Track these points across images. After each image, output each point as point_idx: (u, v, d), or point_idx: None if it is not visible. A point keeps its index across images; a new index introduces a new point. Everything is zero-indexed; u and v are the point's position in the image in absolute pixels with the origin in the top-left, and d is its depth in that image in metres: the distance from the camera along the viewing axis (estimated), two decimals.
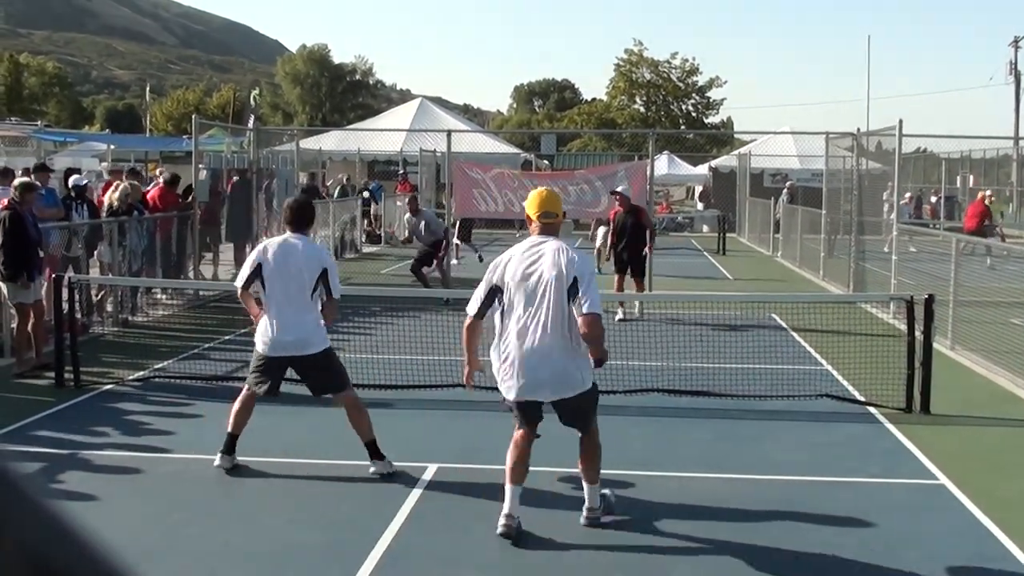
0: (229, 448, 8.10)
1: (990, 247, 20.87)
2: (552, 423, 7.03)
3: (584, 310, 6.55)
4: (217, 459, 8.07)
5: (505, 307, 6.83)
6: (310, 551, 6.55)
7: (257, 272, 8.01)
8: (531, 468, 6.98)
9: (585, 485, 7.17)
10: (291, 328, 7.87)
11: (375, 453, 8.10)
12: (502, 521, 6.78)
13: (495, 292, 6.87)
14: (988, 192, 27.35)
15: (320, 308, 8.07)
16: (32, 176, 14.64)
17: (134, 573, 0.84)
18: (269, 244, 8.25)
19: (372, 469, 8.06)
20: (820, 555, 6.62)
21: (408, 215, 21.37)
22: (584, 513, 7.15)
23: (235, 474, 8.05)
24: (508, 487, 6.87)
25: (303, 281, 7.87)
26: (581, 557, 6.54)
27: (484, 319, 7.01)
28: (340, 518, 7.18)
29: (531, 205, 7.06)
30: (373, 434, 8.10)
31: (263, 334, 7.99)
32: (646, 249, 16.51)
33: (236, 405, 8.17)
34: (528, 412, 6.92)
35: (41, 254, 11.94)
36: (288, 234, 8.14)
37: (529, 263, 6.79)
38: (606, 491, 7.28)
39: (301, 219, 8.16)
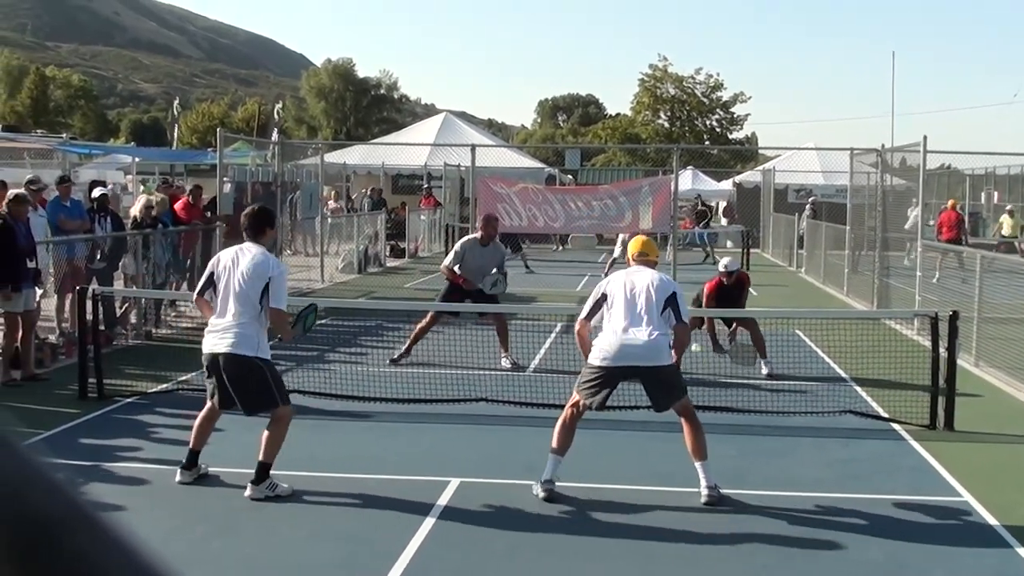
0: (189, 463, 8.13)
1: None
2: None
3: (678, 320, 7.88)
4: (178, 475, 8.09)
5: (611, 309, 7.94)
6: (330, 567, 6.56)
7: (211, 280, 8.07)
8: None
9: (698, 465, 7.76)
10: (222, 335, 7.84)
11: (261, 476, 7.80)
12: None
13: (602, 300, 8.03)
14: (954, 201, 27.52)
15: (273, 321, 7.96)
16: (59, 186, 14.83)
17: (136, 540, 0.84)
18: (223, 253, 8.28)
19: (247, 492, 7.75)
20: (844, 572, 6.60)
21: (472, 242, 13.69)
22: (704, 493, 7.69)
23: None
24: (551, 456, 7.84)
25: (245, 290, 7.82)
26: (603, 571, 6.53)
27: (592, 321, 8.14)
28: (361, 533, 7.18)
29: (632, 248, 8.49)
30: (273, 459, 7.81)
31: (205, 339, 8.03)
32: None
33: (197, 420, 8.21)
34: (610, 381, 7.83)
35: (32, 264, 12.09)
36: (245, 243, 8.14)
37: (632, 278, 8.05)
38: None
39: (255, 227, 8.12)
